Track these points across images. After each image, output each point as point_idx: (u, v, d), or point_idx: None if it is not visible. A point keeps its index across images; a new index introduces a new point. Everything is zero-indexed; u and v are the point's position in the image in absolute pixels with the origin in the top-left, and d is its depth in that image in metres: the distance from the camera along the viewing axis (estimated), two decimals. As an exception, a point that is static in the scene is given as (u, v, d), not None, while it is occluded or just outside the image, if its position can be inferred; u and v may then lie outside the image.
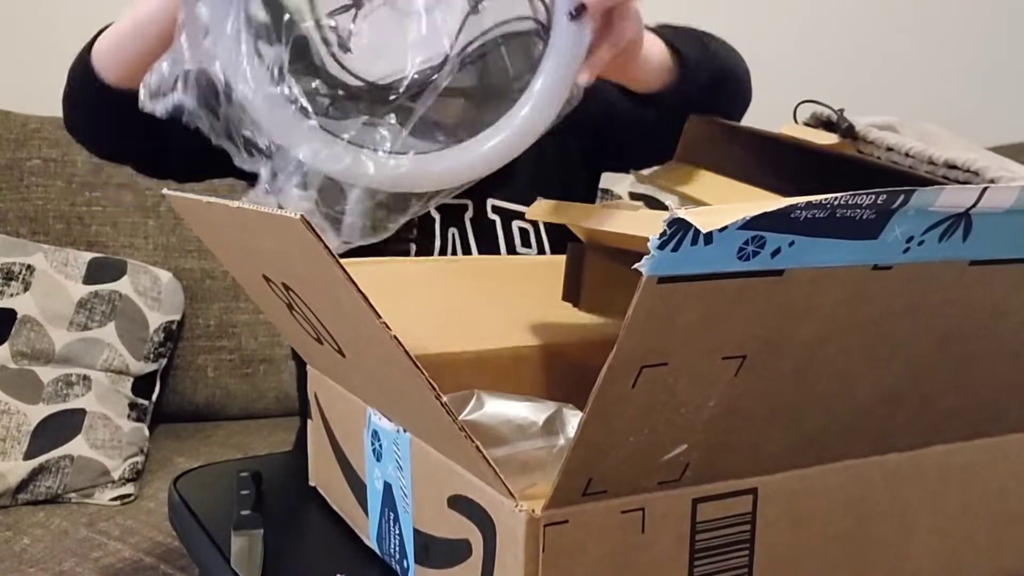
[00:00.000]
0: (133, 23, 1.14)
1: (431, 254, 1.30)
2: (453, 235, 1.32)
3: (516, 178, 1.33)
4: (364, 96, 0.94)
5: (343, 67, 0.93)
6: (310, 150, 0.91)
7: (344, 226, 0.94)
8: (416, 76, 0.93)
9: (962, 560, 0.81)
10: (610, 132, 1.38)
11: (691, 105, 1.10)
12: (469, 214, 1.32)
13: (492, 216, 1.34)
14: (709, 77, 1.22)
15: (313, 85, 0.93)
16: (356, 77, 0.94)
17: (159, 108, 0.95)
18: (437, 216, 1.31)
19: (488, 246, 1.33)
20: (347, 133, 0.93)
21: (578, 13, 0.92)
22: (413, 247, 1.29)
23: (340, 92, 0.94)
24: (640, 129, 1.28)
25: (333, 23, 0.93)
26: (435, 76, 0.93)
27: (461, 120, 0.96)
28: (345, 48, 0.94)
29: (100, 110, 1.24)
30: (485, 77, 0.96)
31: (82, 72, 1.21)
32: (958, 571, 0.81)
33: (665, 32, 1.22)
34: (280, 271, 0.76)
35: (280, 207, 0.85)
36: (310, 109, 0.92)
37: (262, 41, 0.92)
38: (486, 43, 0.95)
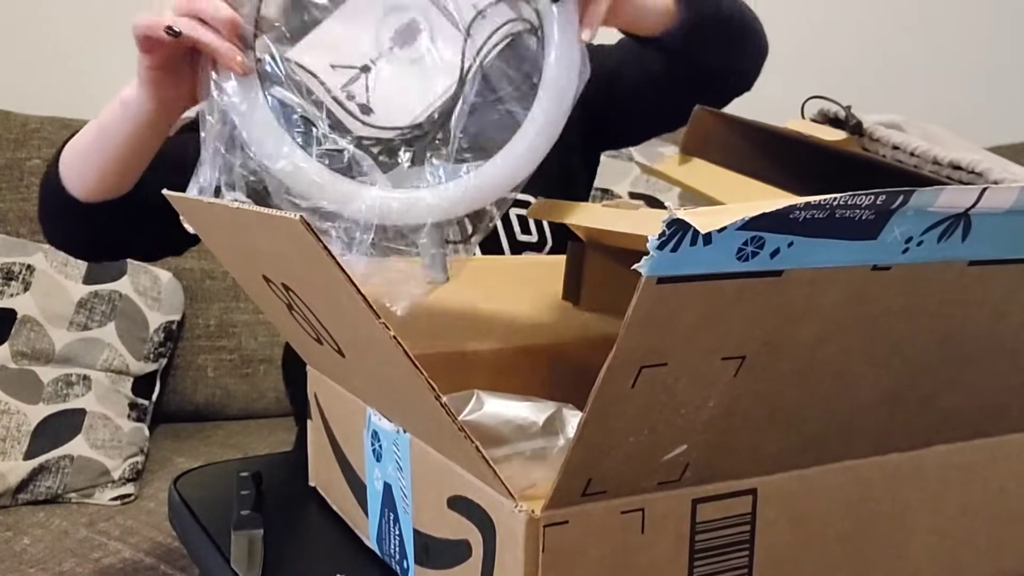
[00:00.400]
0: (98, 131, 1.12)
1: None
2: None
3: None
4: (401, 143, 0.97)
5: (373, 127, 0.96)
6: (372, 199, 0.93)
7: (429, 266, 0.95)
8: (440, 105, 0.96)
9: (962, 560, 0.81)
10: (614, 104, 1.38)
11: (697, 51, 1.14)
12: None
13: (489, 206, 1.32)
14: (715, 18, 1.22)
15: (351, 147, 0.95)
16: (389, 129, 0.96)
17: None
18: None
19: (488, 236, 1.32)
20: (399, 181, 0.95)
21: None
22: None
23: (375, 149, 0.96)
24: (646, 85, 1.29)
25: (346, 93, 0.96)
26: (459, 98, 0.96)
27: (497, 127, 0.98)
28: (368, 111, 0.96)
29: (74, 223, 1.20)
30: (501, 84, 0.99)
31: (52, 186, 1.18)
32: (958, 571, 0.81)
33: None
34: (280, 271, 0.76)
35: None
36: (360, 168, 0.94)
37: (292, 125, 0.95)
38: (490, 55, 0.97)
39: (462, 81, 0.96)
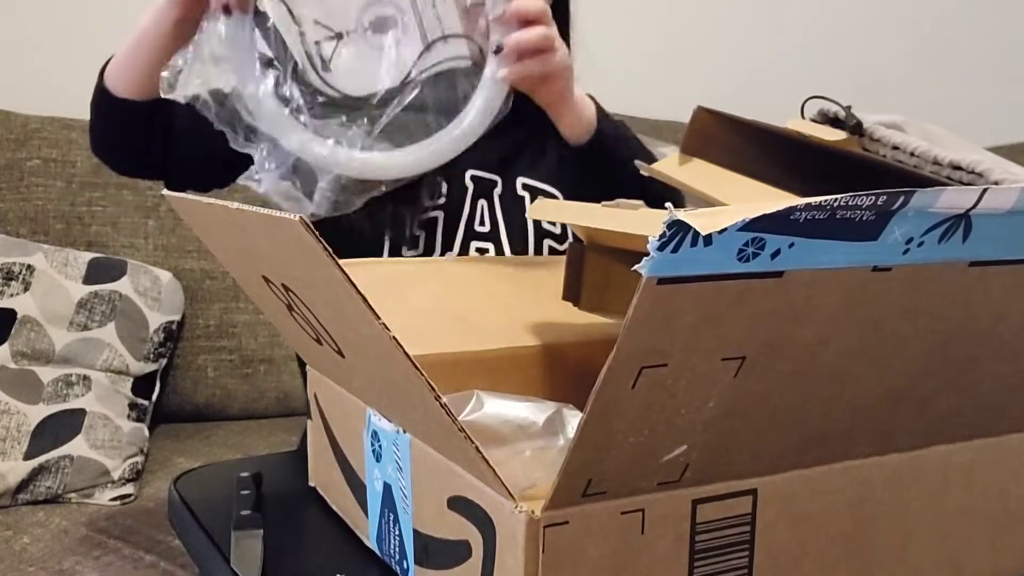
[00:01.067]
0: (138, 36, 1.28)
1: (458, 223, 1.37)
2: (482, 207, 1.38)
3: (545, 160, 1.44)
4: (341, 104, 1.21)
5: (325, 82, 1.21)
6: (297, 141, 1.18)
7: (315, 201, 1.19)
8: (384, 93, 1.21)
9: (962, 560, 0.81)
10: None
11: (598, 170, 1.36)
12: (498, 190, 1.39)
13: (522, 193, 1.41)
14: (615, 152, 1.39)
15: (300, 93, 1.20)
16: (335, 89, 1.22)
17: (178, 95, 1.19)
18: (471, 186, 1.38)
19: (515, 221, 1.39)
20: (327, 131, 1.19)
21: (498, 50, 1.22)
22: (441, 215, 1.36)
23: (320, 99, 1.21)
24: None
25: (317, 48, 1.20)
26: (399, 94, 1.21)
27: (417, 127, 1.23)
28: (327, 68, 1.21)
29: (118, 124, 1.36)
30: (436, 97, 1.23)
31: (98, 93, 1.35)
32: (958, 571, 0.81)
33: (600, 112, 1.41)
34: (279, 272, 0.76)
35: (264, 187, 1.19)
36: (302, 111, 1.19)
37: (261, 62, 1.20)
38: (438, 72, 1.23)
39: (404, 83, 1.21)
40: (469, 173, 1.38)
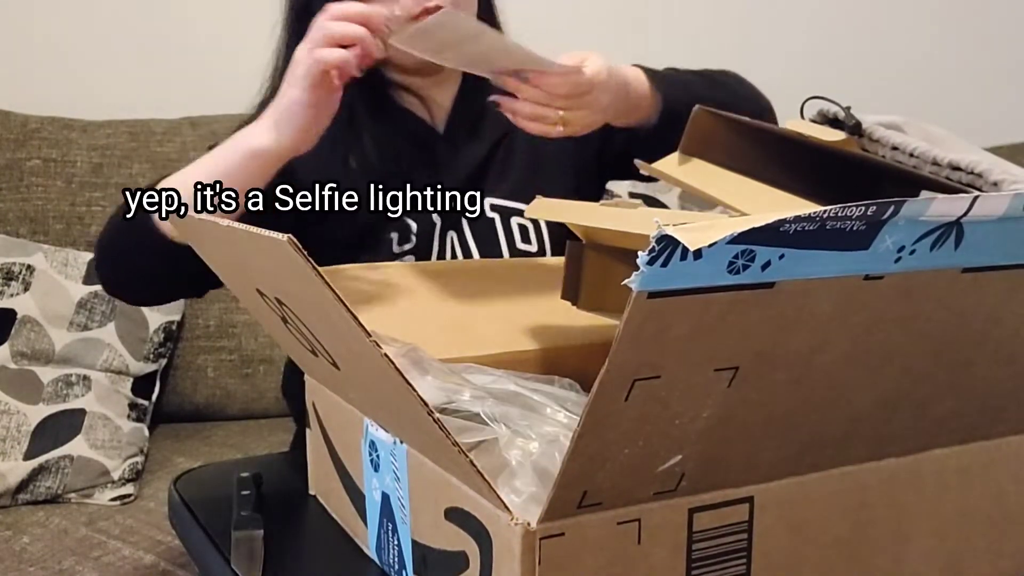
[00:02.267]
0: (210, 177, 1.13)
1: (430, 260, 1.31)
2: (452, 239, 1.33)
3: (512, 176, 1.37)
4: None
5: None
6: None
7: None
8: None
9: (960, 563, 0.81)
10: (615, 142, 1.43)
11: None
12: (468, 215, 1.33)
13: (491, 215, 1.35)
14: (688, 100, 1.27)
15: None
16: None
17: None
18: (438, 221, 1.32)
19: (489, 245, 1.34)
20: None
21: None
22: (412, 259, 1.30)
23: None
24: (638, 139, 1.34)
25: None
26: None
27: None
28: None
29: (157, 261, 1.19)
30: None
31: (143, 231, 1.16)
32: (957, 574, 0.81)
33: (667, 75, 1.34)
34: (272, 287, 0.76)
35: None
36: None
37: None
38: None
39: None
40: (434, 209, 1.32)
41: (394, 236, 1.29)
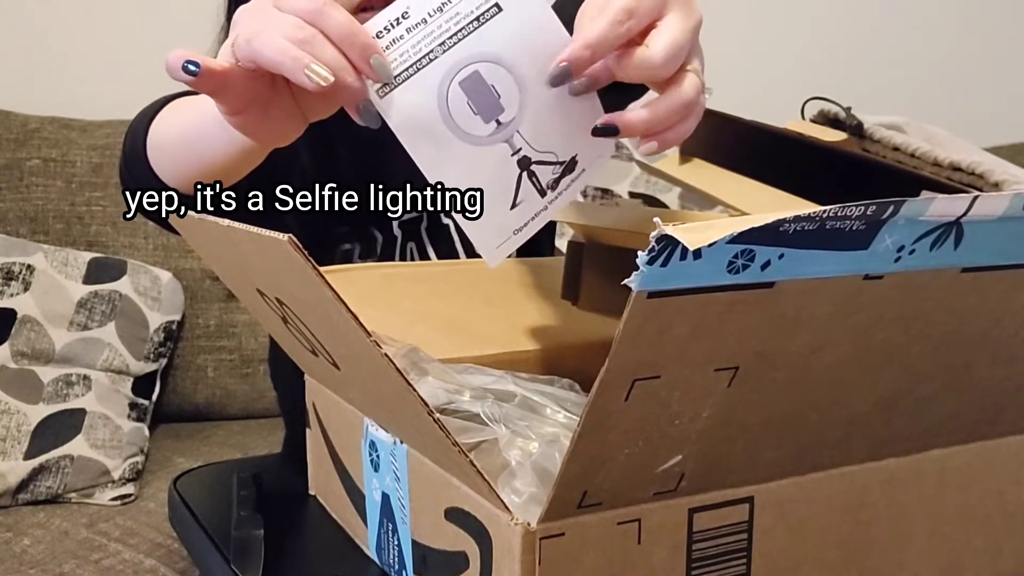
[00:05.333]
0: (182, 138, 0.99)
1: None
2: (411, 249, 1.31)
3: None
4: None
5: None
6: None
7: None
8: None
9: (961, 564, 0.81)
10: None
11: None
12: (424, 224, 1.30)
13: (446, 221, 1.32)
14: None
15: None
16: None
17: None
18: (399, 234, 1.29)
19: (446, 251, 1.31)
20: None
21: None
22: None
23: None
24: None
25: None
26: None
27: None
28: None
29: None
30: None
31: (142, 167, 1.05)
32: (957, 574, 0.81)
33: None
34: (272, 286, 0.76)
35: None
36: None
37: None
38: None
39: None
40: (396, 223, 1.27)
41: (364, 247, 1.27)
